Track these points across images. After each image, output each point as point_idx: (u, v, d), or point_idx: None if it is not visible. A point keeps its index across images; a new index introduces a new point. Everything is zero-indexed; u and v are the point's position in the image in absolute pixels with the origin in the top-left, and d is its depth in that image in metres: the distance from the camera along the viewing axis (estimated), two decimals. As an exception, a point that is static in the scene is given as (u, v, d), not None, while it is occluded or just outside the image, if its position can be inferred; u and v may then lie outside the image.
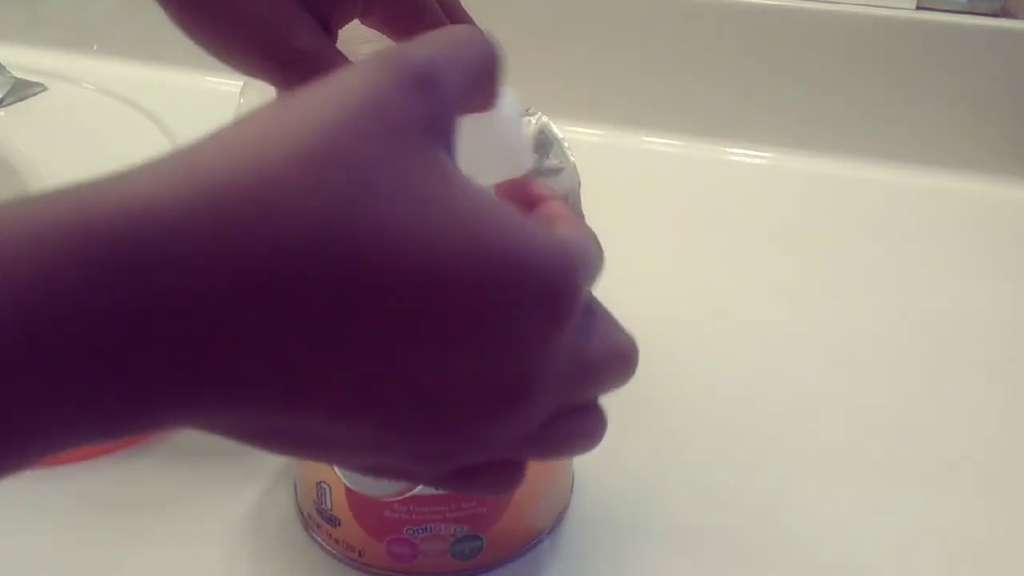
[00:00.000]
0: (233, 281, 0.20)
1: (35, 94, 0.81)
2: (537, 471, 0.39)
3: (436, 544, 0.39)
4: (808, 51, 0.73)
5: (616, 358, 0.30)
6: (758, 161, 0.76)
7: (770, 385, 0.50)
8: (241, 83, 0.66)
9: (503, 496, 0.38)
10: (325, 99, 0.23)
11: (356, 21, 0.39)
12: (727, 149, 0.77)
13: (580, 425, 0.29)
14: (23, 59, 0.84)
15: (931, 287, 0.60)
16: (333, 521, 0.40)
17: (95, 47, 0.90)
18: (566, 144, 0.44)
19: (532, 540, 0.42)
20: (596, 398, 0.30)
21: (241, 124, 0.24)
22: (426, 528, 0.39)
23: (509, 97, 0.29)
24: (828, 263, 0.62)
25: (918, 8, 0.72)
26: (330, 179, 0.21)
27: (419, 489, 0.35)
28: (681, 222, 0.67)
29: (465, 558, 0.40)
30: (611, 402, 0.49)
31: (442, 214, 0.22)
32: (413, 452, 0.25)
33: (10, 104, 0.80)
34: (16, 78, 0.81)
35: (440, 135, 0.23)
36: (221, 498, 0.42)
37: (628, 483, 0.44)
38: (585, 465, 0.44)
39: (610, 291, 0.58)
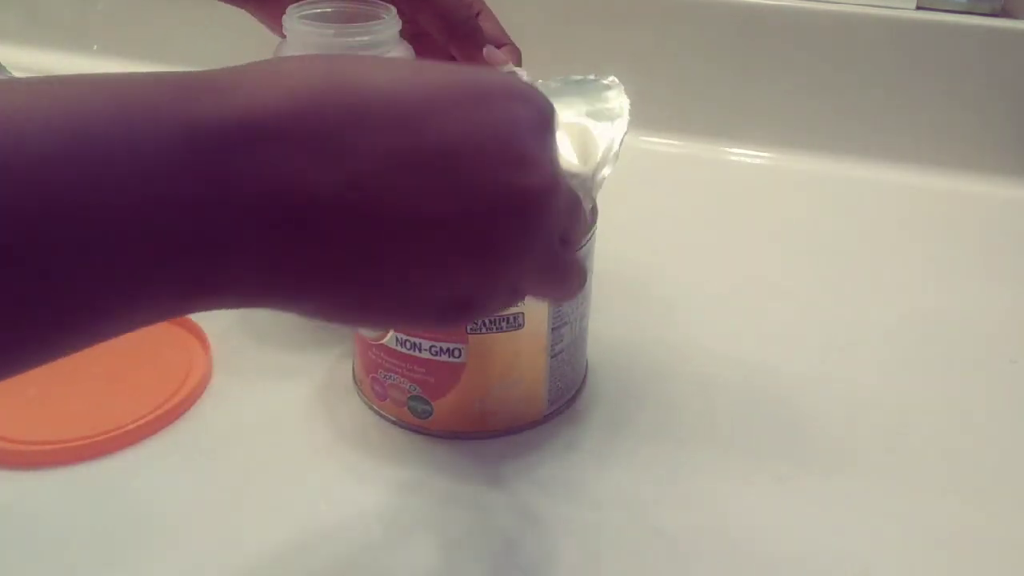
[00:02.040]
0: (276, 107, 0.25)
1: (35, 94, 0.81)
2: (492, 367, 0.44)
3: (397, 393, 0.46)
4: (808, 51, 0.74)
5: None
6: (758, 161, 0.76)
7: (769, 384, 0.50)
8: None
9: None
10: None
11: None
12: (727, 149, 0.77)
13: (572, 262, 0.35)
14: (23, 59, 0.84)
15: (931, 287, 0.60)
16: (354, 359, 0.49)
17: (95, 47, 0.90)
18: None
19: (487, 431, 0.46)
20: (576, 240, 0.36)
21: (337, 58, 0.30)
22: (390, 376, 0.46)
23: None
24: (828, 263, 0.62)
25: (918, 8, 0.72)
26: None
27: (388, 338, 0.44)
28: (681, 222, 0.67)
29: (419, 416, 0.46)
30: (610, 404, 0.49)
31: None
32: (473, 270, 0.29)
33: (10, 104, 0.80)
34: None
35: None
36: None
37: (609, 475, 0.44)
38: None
39: (610, 291, 0.58)
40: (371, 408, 0.48)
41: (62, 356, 0.24)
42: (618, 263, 0.62)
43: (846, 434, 0.47)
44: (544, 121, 0.30)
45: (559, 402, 0.48)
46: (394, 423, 0.47)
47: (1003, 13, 0.71)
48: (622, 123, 0.44)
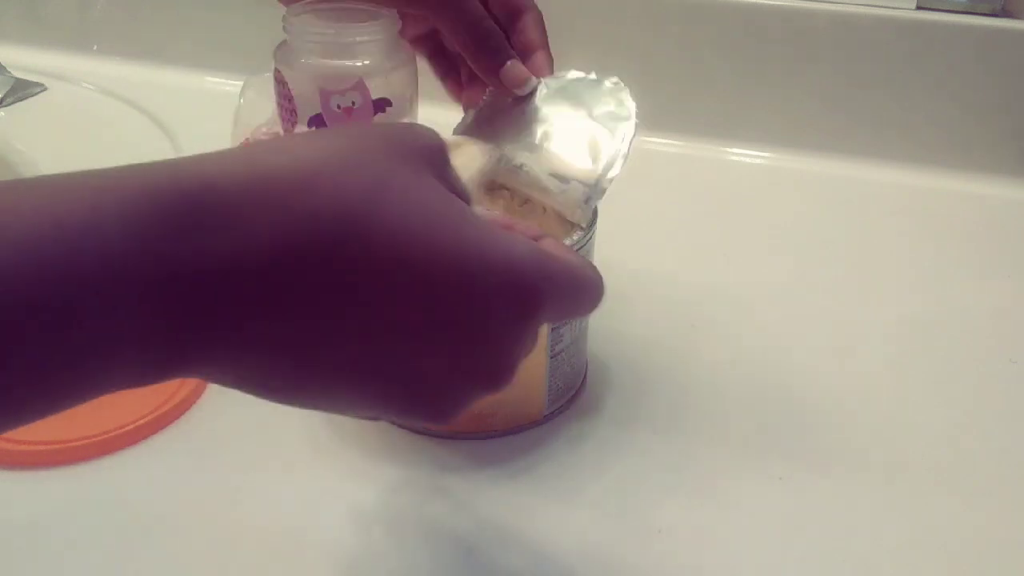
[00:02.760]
0: (271, 247, 0.25)
1: (35, 94, 0.81)
2: None
3: None
4: (808, 51, 0.74)
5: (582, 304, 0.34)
6: (758, 161, 0.76)
7: (769, 384, 0.50)
8: (241, 83, 0.66)
9: None
10: (360, 129, 0.29)
11: None
12: (727, 149, 0.77)
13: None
14: (23, 59, 0.84)
15: (931, 287, 0.60)
16: None
17: (95, 47, 0.90)
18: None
19: (487, 431, 0.46)
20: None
21: (292, 137, 0.31)
22: None
23: None
24: (828, 263, 0.62)
25: (918, 8, 0.72)
26: (357, 175, 0.27)
27: None
28: (681, 222, 0.67)
29: None
30: (610, 404, 0.49)
31: (439, 215, 0.27)
32: (397, 414, 0.31)
33: (10, 104, 0.80)
34: (16, 78, 0.82)
35: (444, 172, 0.30)
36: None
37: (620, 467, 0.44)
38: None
39: (611, 290, 0.58)
40: None
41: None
42: (618, 263, 0.62)
43: (846, 434, 0.47)
44: (528, 312, 0.29)
45: (559, 402, 0.48)
46: (392, 423, 0.47)
47: (1003, 13, 0.71)
48: (630, 126, 0.44)
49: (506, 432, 0.46)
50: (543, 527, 0.41)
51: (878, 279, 0.61)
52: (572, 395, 0.49)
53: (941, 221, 0.68)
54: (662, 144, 0.77)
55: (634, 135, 0.44)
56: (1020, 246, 0.66)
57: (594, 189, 0.43)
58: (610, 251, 0.62)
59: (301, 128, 0.52)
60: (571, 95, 0.46)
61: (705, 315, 0.56)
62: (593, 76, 0.47)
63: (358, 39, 0.50)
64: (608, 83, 0.47)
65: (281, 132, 0.54)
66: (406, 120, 0.53)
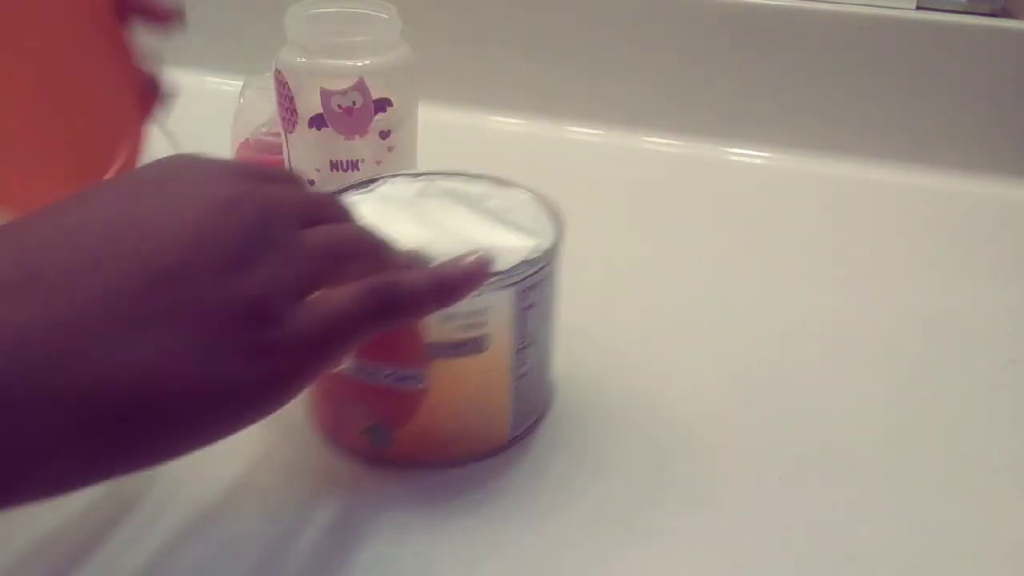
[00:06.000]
0: None
1: (35, 94, 0.81)
2: (455, 393, 0.42)
3: (354, 423, 0.43)
4: (808, 51, 0.74)
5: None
6: (758, 161, 0.76)
7: (769, 384, 0.50)
8: (241, 83, 0.66)
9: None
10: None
11: None
12: (727, 149, 0.77)
13: (334, 227, 0.35)
14: (23, 59, 0.84)
15: (931, 287, 0.60)
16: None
17: (95, 47, 0.90)
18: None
19: (450, 459, 0.43)
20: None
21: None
22: (347, 405, 0.43)
23: None
24: (828, 263, 0.62)
25: (918, 8, 0.72)
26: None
27: (346, 365, 0.41)
28: (681, 222, 0.67)
29: (378, 446, 0.43)
30: (608, 403, 0.49)
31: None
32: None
33: (10, 104, 0.79)
34: (16, 78, 0.81)
35: None
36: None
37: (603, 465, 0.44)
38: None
39: (611, 291, 0.58)
40: (327, 438, 0.45)
41: None
42: (618, 262, 0.62)
43: (846, 434, 0.47)
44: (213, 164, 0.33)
45: (524, 425, 0.45)
46: (352, 453, 0.44)
47: (1003, 13, 0.71)
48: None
49: (470, 459, 0.43)
50: (506, 558, 0.39)
51: (877, 278, 0.61)
52: (538, 417, 0.46)
53: (941, 221, 0.68)
54: (662, 144, 0.77)
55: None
56: (1020, 246, 0.66)
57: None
58: (609, 251, 0.62)
59: (302, 128, 0.52)
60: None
61: (705, 314, 0.56)
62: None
63: (358, 39, 0.50)
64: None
65: (281, 132, 0.54)
66: (406, 120, 0.53)
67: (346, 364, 0.41)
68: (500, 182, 0.46)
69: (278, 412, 0.37)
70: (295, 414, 0.46)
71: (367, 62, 0.50)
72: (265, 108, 0.62)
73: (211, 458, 0.37)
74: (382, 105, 0.51)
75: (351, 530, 0.40)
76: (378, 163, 0.53)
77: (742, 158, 0.76)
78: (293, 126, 0.53)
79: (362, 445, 0.43)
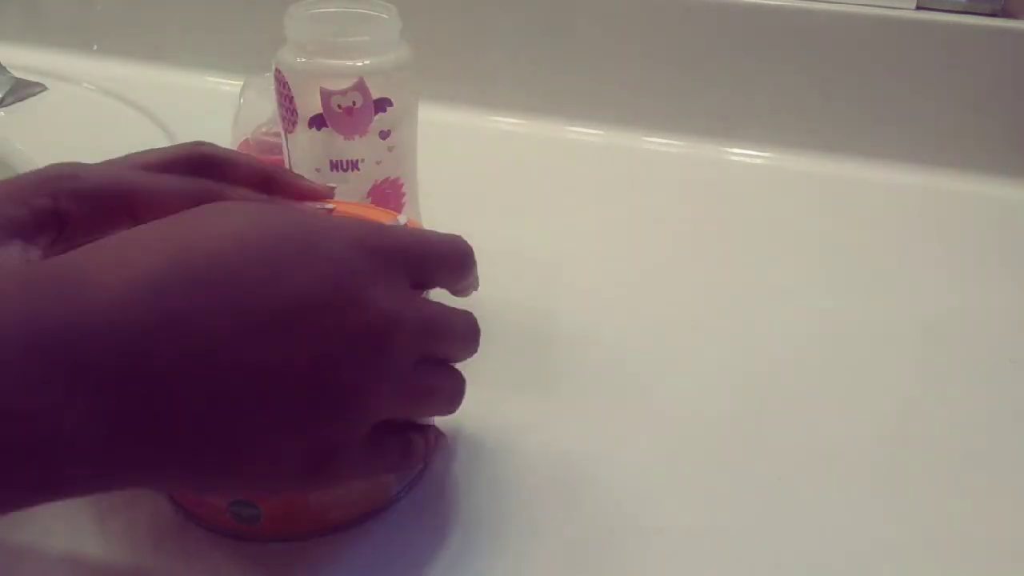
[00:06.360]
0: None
1: (35, 94, 0.81)
2: None
3: (217, 497, 0.38)
4: (808, 51, 0.74)
5: (455, 314, 0.36)
6: (758, 161, 0.76)
7: (770, 384, 0.50)
8: (241, 83, 0.66)
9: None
10: None
11: None
12: (727, 149, 0.77)
13: (440, 377, 0.36)
14: (23, 59, 0.84)
15: (931, 287, 0.60)
16: None
17: (95, 47, 0.90)
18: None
19: (327, 527, 0.39)
20: (451, 356, 0.36)
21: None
22: None
23: None
24: (828, 263, 0.62)
25: (918, 8, 0.72)
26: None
27: None
28: (681, 222, 0.67)
29: (244, 522, 0.38)
30: (608, 398, 0.49)
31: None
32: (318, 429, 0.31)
33: (10, 104, 0.80)
34: (16, 78, 0.81)
35: None
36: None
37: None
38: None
39: (611, 291, 0.58)
40: (187, 515, 0.39)
41: None
42: (618, 262, 0.62)
43: (845, 434, 0.47)
44: (373, 254, 0.32)
45: (409, 477, 0.41)
46: (215, 531, 0.39)
47: (1003, 13, 0.71)
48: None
49: (349, 524, 0.39)
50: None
51: (878, 279, 0.61)
52: (425, 466, 0.42)
53: (941, 221, 0.68)
54: (662, 144, 0.77)
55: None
56: (1020, 246, 0.66)
57: None
58: (609, 251, 0.62)
59: (302, 128, 0.52)
60: None
61: (705, 315, 0.56)
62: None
63: (358, 39, 0.50)
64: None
65: (281, 132, 0.54)
66: (406, 120, 0.53)
67: None
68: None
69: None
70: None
71: (367, 62, 0.50)
72: (265, 108, 0.62)
73: (79, 533, 0.38)
74: (382, 105, 0.51)
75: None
76: (378, 163, 0.53)
77: (742, 158, 0.76)
78: (293, 126, 0.52)
79: (227, 521, 0.38)
